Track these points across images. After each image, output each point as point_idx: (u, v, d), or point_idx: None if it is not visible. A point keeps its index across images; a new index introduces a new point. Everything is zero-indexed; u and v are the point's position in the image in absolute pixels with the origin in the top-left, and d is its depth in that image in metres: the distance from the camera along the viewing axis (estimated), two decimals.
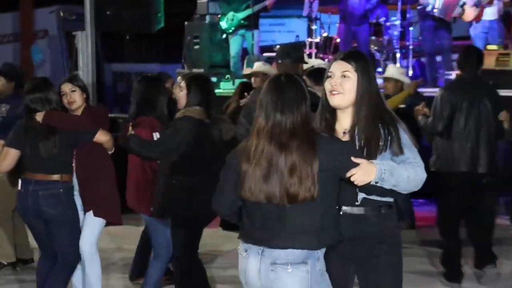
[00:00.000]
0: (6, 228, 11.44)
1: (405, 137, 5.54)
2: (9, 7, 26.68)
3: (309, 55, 17.95)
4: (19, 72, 12.23)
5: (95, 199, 8.59)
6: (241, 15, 17.52)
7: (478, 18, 17.41)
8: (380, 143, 5.43)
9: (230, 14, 17.60)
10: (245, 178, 5.20)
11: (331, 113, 5.59)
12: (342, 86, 5.47)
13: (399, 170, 5.31)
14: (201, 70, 14.78)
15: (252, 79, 13.59)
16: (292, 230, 5.14)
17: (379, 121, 5.51)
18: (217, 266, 11.33)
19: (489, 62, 12.51)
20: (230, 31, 17.78)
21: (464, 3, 17.14)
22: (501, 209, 13.84)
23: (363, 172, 5.09)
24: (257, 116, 5.31)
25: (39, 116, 8.11)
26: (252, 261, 5.25)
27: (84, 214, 8.66)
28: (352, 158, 5.12)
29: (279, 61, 8.82)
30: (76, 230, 8.43)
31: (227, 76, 17.65)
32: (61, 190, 8.23)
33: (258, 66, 13.98)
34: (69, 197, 8.36)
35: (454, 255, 10.35)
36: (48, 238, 8.37)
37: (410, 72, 17.59)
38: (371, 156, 5.35)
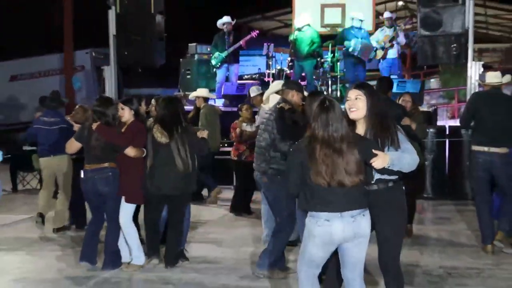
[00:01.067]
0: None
1: (401, 135, 6.05)
2: (56, 50, 26.52)
3: (268, 81, 18.00)
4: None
5: (128, 189, 8.66)
6: (224, 54, 17.27)
7: (384, 57, 17.42)
8: (385, 141, 5.95)
9: (216, 53, 17.48)
10: (316, 171, 5.67)
11: (351, 123, 6.03)
12: (356, 105, 6.00)
13: (403, 158, 5.86)
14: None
15: (196, 100, 13.90)
16: (354, 199, 5.72)
17: (382, 127, 6.01)
18: (203, 232, 11.04)
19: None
20: (218, 65, 17.59)
21: (377, 49, 17.12)
22: None
23: (381, 160, 5.67)
24: (313, 127, 5.80)
25: (94, 125, 8.49)
26: (336, 224, 5.68)
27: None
28: (373, 150, 5.71)
29: (285, 88, 8.58)
30: (120, 202, 8.63)
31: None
32: (110, 174, 8.55)
33: (198, 91, 14.06)
34: (116, 178, 8.59)
35: None
36: (98, 208, 8.73)
37: (338, 93, 17.42)
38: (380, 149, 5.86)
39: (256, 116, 12.09)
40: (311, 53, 17.17)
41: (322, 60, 17.59)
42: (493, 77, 9.66)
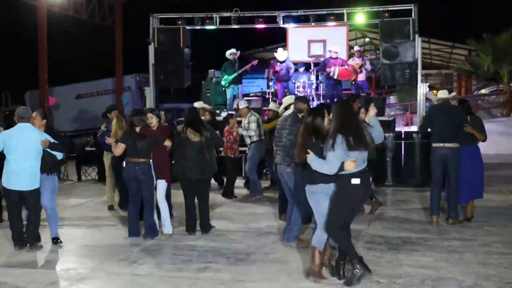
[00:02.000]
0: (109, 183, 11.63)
1: (329, 144, 6.17)
2: (110, 75, 26.50)
3: (268, 98, 17.93)
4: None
5: (165, 172, 8.95)
6: (231, 76, 17.19)
7: (355, 79, 17.38)
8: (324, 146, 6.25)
9: (225, 76, 17.33)
10: None
11: None
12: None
13: (312, 162, 6.26)
14: (210, 106, 14.54)
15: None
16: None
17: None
18: (219, 211, 10.99)
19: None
20: (226, 85, 17.46)
21: (356, 71, 17.17)
22: None
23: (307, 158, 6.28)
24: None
25: (137, 128, 8.69)
26: None
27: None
28: (308, 150, 6.25)
29: (296, 101, 8.70)
30: (152, 187, 8.75)
31: (224, 109, 17.39)
32: (147, 166, 8.66)
33: (198, 103, 13.54)
34: (151, 169, 8.74)
35: None
36: (137, 192, 8.73)
37: None
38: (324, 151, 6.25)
39: (244, 123, 12.50)
40: (290, 77, 17.39)
41: (309, 81, 17.55)
42: (443, 94, 9.88)
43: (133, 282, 6.66)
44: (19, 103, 22.13)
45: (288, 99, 9.59)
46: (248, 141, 12.48)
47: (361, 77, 17.50)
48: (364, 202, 7.95)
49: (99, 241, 8.74)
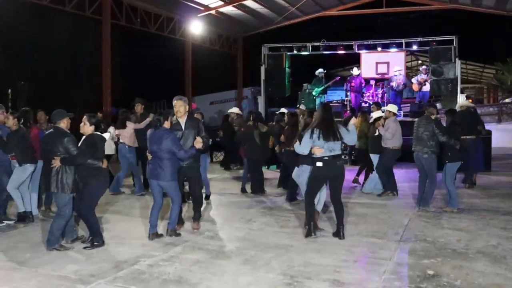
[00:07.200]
0: None
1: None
2: (233, 87, 26.90)
3: (346, 105, 17.62)
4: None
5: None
6: (320, 89, 17.30)
7: (420, 90, 17.13)
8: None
9: (315, 89, 17.46)
10: None
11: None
12: None
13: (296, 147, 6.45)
14: (238, 111, 14.67)
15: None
16: None
17: None
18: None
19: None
20: (316, 95, 17.48)
21: (409, 84, 16.97)
22: None
23: None
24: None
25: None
26: None
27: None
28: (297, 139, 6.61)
29: (429, 108, 8.50)
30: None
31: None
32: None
33: (233, 109, 14.17)
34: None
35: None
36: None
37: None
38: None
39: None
40: (362, 89, 17.25)
41: (376, 92, 17.25)
42: (467, 102, 10.77)
43: (249, 233, 6.86)
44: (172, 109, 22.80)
45: (392, 107, 9.55)
46: None
47: (426, 88, 17.03)
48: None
49: (225, 205, 8.96)
